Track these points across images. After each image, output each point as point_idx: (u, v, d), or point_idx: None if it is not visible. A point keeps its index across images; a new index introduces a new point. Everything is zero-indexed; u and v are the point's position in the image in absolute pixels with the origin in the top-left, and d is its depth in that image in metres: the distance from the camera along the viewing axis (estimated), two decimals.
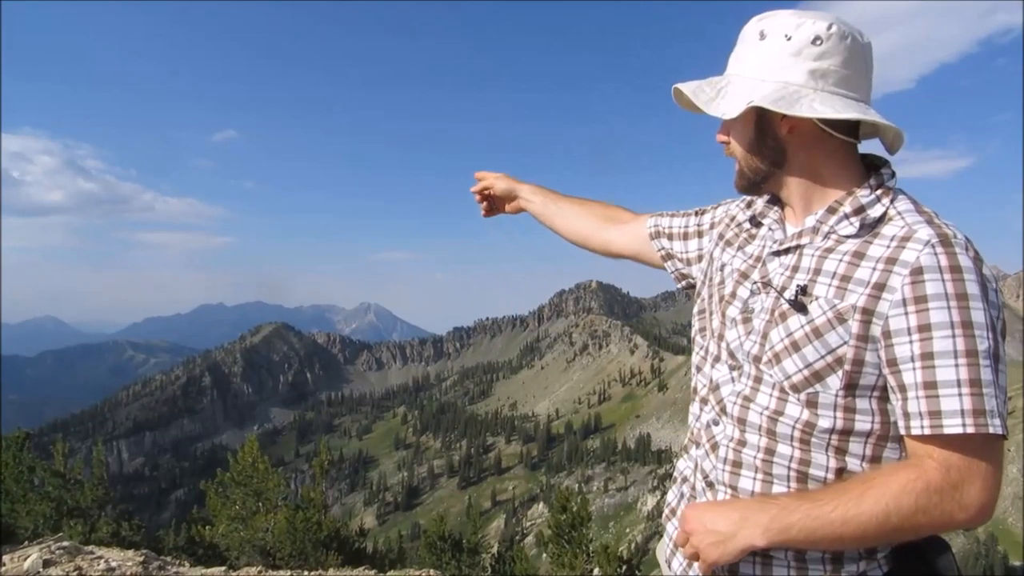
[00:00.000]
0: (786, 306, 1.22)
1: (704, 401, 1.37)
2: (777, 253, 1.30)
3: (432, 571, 6.54)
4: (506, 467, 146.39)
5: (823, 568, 1.21)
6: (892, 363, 1.11)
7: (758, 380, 1.25)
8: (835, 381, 1.15)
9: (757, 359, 1.25)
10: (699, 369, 1.41)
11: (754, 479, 1.24)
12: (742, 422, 1.26)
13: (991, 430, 1.04)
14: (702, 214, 1.64)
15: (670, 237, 1.67)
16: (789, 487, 1.21)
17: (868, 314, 1.12)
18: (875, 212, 1.20)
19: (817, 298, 1.18)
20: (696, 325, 1.48)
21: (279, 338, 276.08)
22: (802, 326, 1.18)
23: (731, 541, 1.13)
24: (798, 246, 1.27)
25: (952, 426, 1.05)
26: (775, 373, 1.21)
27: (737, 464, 1.26)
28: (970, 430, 1.04)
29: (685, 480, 1.44)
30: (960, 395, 1.05)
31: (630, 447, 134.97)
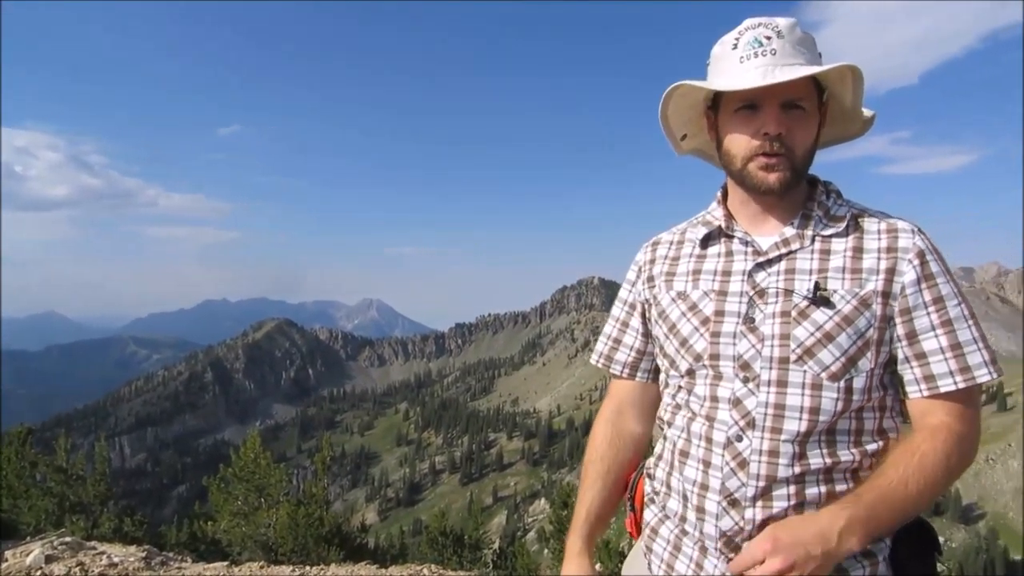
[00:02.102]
0: (805, 304, 1.27)
1: (710, 419, 1.33)
2: (762, 264, 1.33)
3: (433, 566, 6.54)
4: (508, 463, 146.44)
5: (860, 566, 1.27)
6: (911, 335, 1.26)
7: (782, 384, 1.26)
8: (866, 363, 1.26)
9: (783, 360, 1.27)
10: (690, 391, 1.38)
11: (787, 490, 1.25)
12: (776, 431, 1.26)
13: (999, 374, 1.25)
14: (628, 304, 1.61)
15: (640, 353, 1.60)
16: (820, 491, 1.25)
17: (887, 296, 1.25)
18: (841, 212, 1.34)
19: (835, 291, 1.26)
20: (663, 365, 1.48)
21: (281, 334, 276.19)
22: (830, 317, 1.25)
23: (831, 553, 1.13)
24: (789, 252, 1.32)
25: (981, 376, 1.22)
26: (811, 367, 1.25)
27: (771, 478, 1.25)
28: (994, 375, 1.23)
29: (682, 498, 1.39)
30: (979, 349, 1.23)
31: None
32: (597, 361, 1.63)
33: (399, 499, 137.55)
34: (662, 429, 1.49)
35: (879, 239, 1.29)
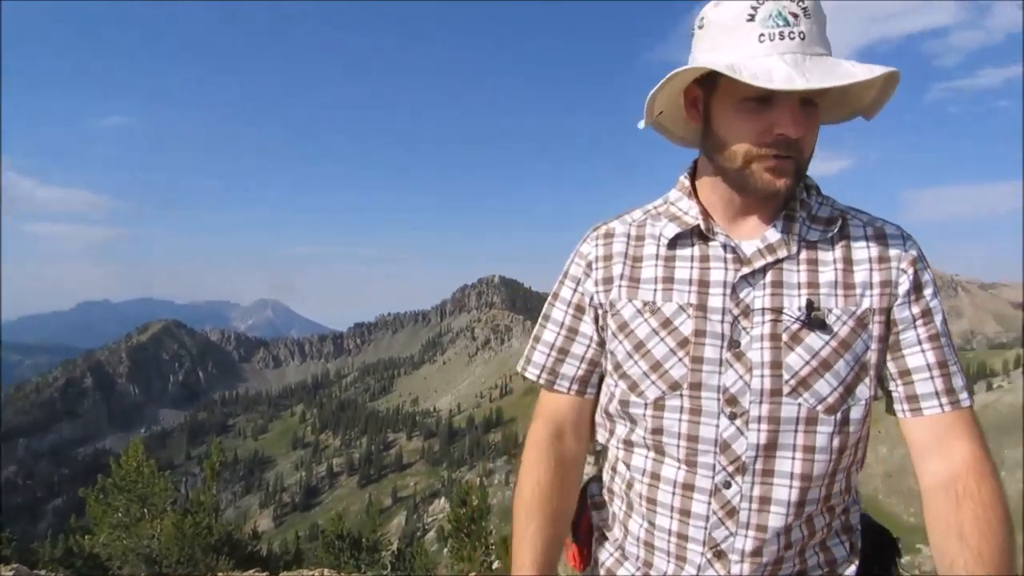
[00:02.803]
0: (797, 326, 1.12)
1: (690, 464, 1.15)
2: (746, 276, 1.15)
3: (327, 571, 6.47)
4: (407, 463, 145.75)
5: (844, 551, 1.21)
6: (895, 348, 1.14)
7: (774, 421, 1.11)
8: (864, 391, 1.14)
9: (775, 393, 1.11)
10: (658, 429, 1.18)
11: (778, 539, 1.14)
12: (768, 474, 1.12)
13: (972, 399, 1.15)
14: (574, 306, 1.31)
15: (592, 365, 1.32)
16: (804, 534, 1.16)
17: (883, 313, 1.13)
18: (824, 214, 1.19)
19: (830, 311, 1.12)
20: (619, 387, 1.23)
21: (169, 336, 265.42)
22: (827, 342, 1.11)
23: None
24: (776, 262, 1.15)
25: (963, 400, 1.12)
26: (805, 399, 1.11)
27: (762, 527, 1.13)
28: (970, 400, 1.13)
29: (644, 545, 1.23)
30: (959, 371, 1.14)
31: None
32: (537, 376, 1.32)
33: (295, 504, 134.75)
34: (604, 450, 1.33)
35: (868, 247, 1.16)
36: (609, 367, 1.27)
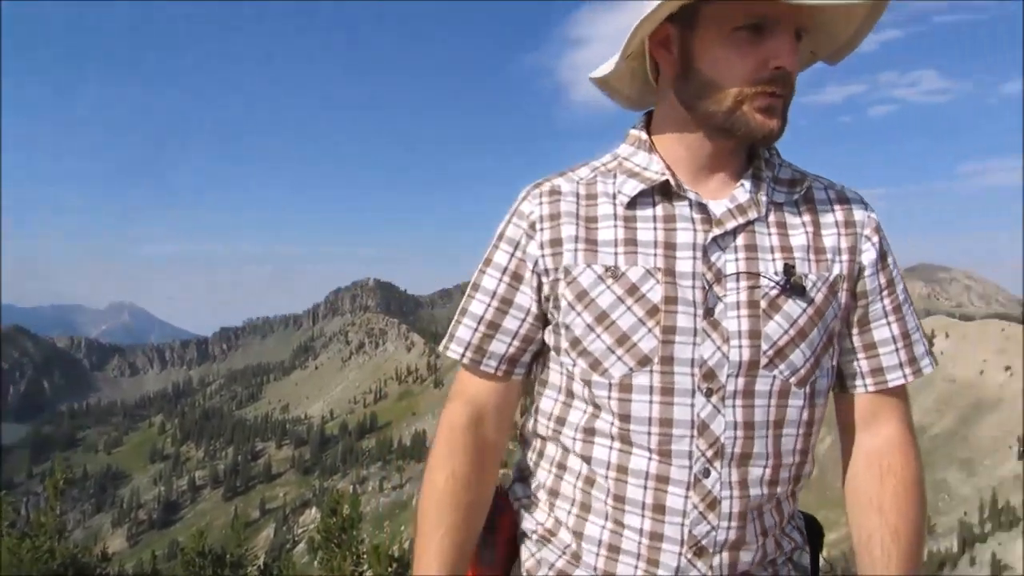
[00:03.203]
0: (775, 293, 1.02)
1: (664, 454, 1.01)
2: (717, 238, 1.03)
3: None
4: (276, 473, 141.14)
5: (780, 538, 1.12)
6: (862, 322, 1.09)
7: (748, 395, 1.01)
8: (827, 361, 1.08)
9: (752, 365, 1.00)
10: (622, 412, 1.02)
11: (755, 526, 1.05)
12: (746, 457, 1.02)
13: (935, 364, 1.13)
14: (511, 273, 1.12)
15: (525, 343, 1.14)
16: (775, 519, 1.08)
17: (850, 280, 1.07)
18: (786, 176, 1.11)
19: (806, 275, 1.04)
20: (577, 367, 1.07)
21: (9, 343, 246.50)
22: (804, 310, 1.03)
23: None
24: (747, 223, 1.04)
25: (925, 367, 1.10)
26: (780, 372, 1.02)
27: (743, 515, 1.03)
28: (934, 366, 1.11)
29: (607, 550, 1.06)
30: (921, 337, 1.11)
31: (406, 444, 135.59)
32: (460, 354, 1.14)
33: (152, 521, 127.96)
34: (539, 444, 1.18)
35: (834, 211, 1.10)
36: (564, 344, 1.09)
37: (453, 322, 1.16)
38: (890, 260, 1.11)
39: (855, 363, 1.10)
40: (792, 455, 1.05)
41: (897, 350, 1.09)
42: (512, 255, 1.11)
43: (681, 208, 1.05)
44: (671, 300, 1.00)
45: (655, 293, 1.01)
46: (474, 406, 1.15)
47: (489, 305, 1.13)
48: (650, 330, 1.00)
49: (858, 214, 1.10)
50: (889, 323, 1.09)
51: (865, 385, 1.10)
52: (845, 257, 1.07)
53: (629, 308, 1.01)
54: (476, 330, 1.13)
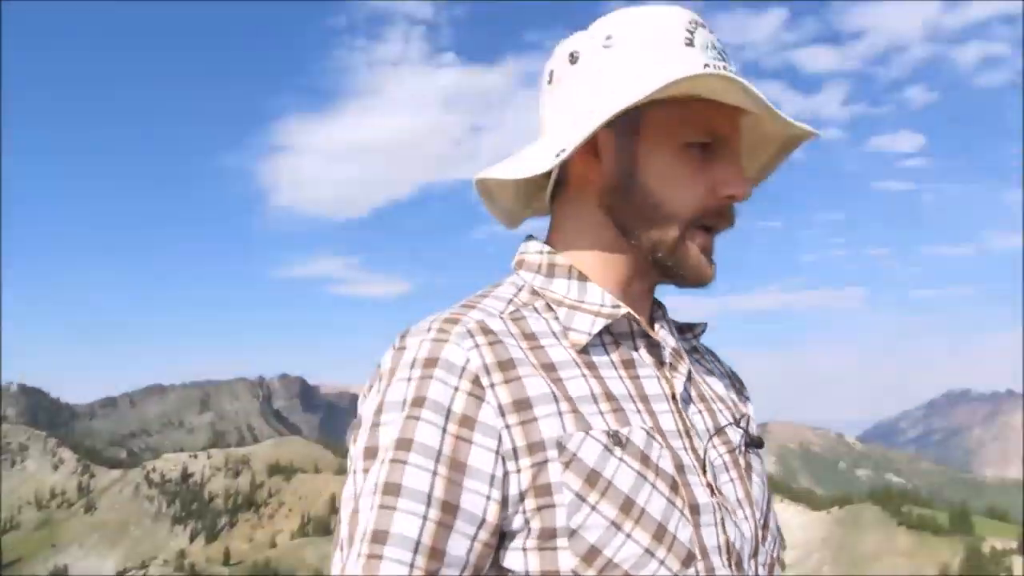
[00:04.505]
0: (743, 448, 0.85)
1: None
2: (685, 386, 0.84)
3: None
4: None
5: None
6: None
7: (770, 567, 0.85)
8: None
9: (758, 539, 0.82)
10: None
11: None
12: None
13: None
14: (446, 461, 0.68)
15: (473, 571, 0.70)
16: None
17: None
18: (672, 318, 0.93)
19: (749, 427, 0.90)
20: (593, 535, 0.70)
21: None
22: (762, 463, 0.89)
23: None
24: (688, 370, 0.86)
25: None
26: (769, 544, 0.85)
27: None
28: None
29: None
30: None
31: None
32: None
33: None
34: None
35: (715, 361, 0.99)
36: (568, 565, 0.69)
37: (352, 555, 0.68)
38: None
39: None
40: None
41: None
42: (444, 431, 0.70)
43: (637, 352, 0.83)
44: (680, 468, 0.76)
45: (666, 461, 0.75)
46: None
47: (425, 519, 0.67)
48: (681, 513, 0.74)
49: (725, 366, 1.00)
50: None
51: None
52: (741, 408, 0.93)
53: (654, 486, 0.73)
54: (412, 567, 0.66)
